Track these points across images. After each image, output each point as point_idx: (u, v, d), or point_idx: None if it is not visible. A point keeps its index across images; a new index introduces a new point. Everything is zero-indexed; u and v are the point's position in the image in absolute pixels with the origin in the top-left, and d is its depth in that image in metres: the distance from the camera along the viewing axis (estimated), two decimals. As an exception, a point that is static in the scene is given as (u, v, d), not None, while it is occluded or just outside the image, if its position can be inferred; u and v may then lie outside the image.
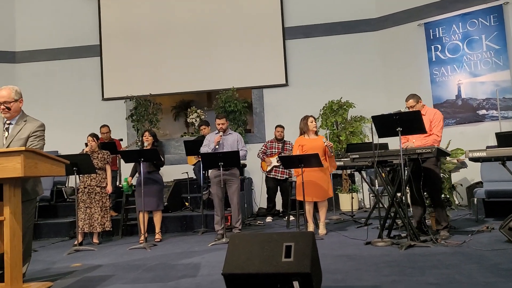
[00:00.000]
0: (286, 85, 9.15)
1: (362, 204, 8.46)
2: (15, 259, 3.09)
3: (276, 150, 7.31)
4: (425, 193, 4.96)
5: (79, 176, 5.86)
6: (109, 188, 5.97)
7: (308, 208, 5.56)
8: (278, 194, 7.51)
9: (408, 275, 3.33)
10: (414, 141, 4.95)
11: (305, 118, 5.64)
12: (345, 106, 8.37)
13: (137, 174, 5.97)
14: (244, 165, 8.79)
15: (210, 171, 5.81)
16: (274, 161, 7.21)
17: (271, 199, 7.49)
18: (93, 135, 6.07)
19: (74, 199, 6.24)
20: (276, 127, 7.49)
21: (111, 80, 9.55)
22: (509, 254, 3.79)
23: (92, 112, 9.30)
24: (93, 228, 5.79)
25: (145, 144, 5.97)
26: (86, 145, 6.10)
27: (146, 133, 6.02)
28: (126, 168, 7.69)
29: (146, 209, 5.73)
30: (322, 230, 5.51)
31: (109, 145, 6.86)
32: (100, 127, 7.39)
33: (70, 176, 6.70)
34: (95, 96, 9.54)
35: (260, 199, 8.46)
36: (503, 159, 4.94)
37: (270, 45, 9.22)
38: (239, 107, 8.75)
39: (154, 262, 4.50)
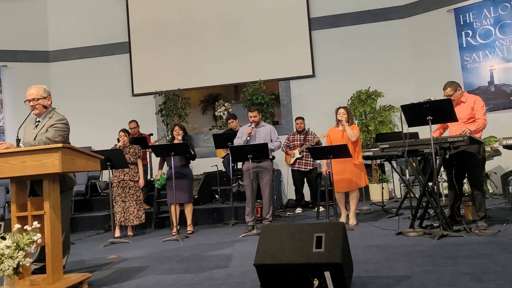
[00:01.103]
0: (313, 76, 9.10)
1: (393, 194, 8.36)
2: (56, 251, 3.24)
3: (298, 142, 7.31)
4: (464, 181, 4.85)
5: (112, 171, 6.04)
6: (142, 182, 6.13)
7: (339, 198, 5.56)
8: (306, 186, 7.52)
9: (441, 265, 3.30)
10: (454, 129, 4.82)
11: (337, 109, 5.63)
12: (373, 96, 8.27)
13: (166, 166, 6.09)
14: (273, 157, 8.81)
15: (243, 163, 5.86)
16: (297, 153, 7.23)
17: (298, 191, 7.51)
18: (125, 131, 6.24)
19: (108, 193, 6.45)
20: (295, 120, 7.50)
21: (140, 76, 9.75)
22: (547, 244, 3.70)
23: (122, 108, 9.51)
24: (129, 221, 5.97)
25: (179, 138, 6.07)
26: (118, 140, 6.27)
27: (176, 127, 6.13)
28: (156, 162, 7.88)
29: (177, 202, 5.86)
30: (352, 221, 5.50)
31: (139, 140, 7.02)
32: (129, 123, 7.56)
33: (103, 170, 6.90)
34: (125, 92, 9.76)
35: (288, 190, 8.49)
36: (540, 146, 4.82)
37: (296, 37, 9.18)
38: (266, 99, 8.76)
39: (187, 254, 4.61)
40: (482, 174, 4.86)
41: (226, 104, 9.59)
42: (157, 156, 5.96)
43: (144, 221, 6.14)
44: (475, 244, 3.90)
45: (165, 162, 6.17)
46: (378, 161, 7.97)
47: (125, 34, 9.85)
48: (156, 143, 7.52)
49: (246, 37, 9.39)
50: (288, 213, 7.17)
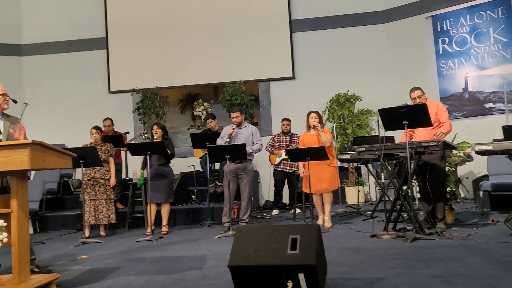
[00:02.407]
0: (293, 78, 9.13)
1: (368, 197, 8.46)
2: (22, 251, 3.12)
3: (284, 143, 7.31)
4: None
5: (83, 169, 5.90)
6: (113, 181, 6.00)
7: (316, 200, 5.58)
8: (286, 187, 7.53)
9: (413, 267, 3.34)
10: (421, 135, 4.94)
11: (308, 113, 5.65)
12: (352, 99, 8.34)
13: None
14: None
15: (220, 163, 5.81)
16: (283, 154, 7.21)
17: (278, 192, 7.50)
18: (97, 128, 6.11)
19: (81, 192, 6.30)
20: (282, 121, 7.48)
21: (117, 73, 9.59)
22: (515, 248, 3.79)
23: (98, 105, 9.31)
24: (98, 220, 5.84)
25: (155, 137, 5.99)
26: (93, 138, 6.13)
27: (155, 126, 6.04)
28: (131, 162, 7.75)
29: (155, 202, 5.78)
30: (327, 223, 5.53)
31: (113, 138, 6.88)
32: (103, 120, 7.41)
33: (77, 168, 6.74)
34: (102, 89, 9.58)
35: (266, 192, 8.49)
36: (510, 152, 4.92)
37: (277, 38, 9.19)
38: (245, 100, 8.73)
39: (161, 254, 4.54)
40: (445, 182, 4.94)
41: (205, 104, 9.50)
42: (132, 155, 5.86)
43: (114, 221, 6.01)
44: (446, 247, 3.96)
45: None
46: (355, 164, 8.05)
47: (102, 29, 9.66)
48: (132, 142, 7.40)
49: (227, 37, 9.35)
50: (265, 214, 7.16)
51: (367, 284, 2.96)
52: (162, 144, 5.67)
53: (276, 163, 7.31)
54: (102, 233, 5.95)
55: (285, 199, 7.73)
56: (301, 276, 2.72)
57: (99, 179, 5.91)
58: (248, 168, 5.74)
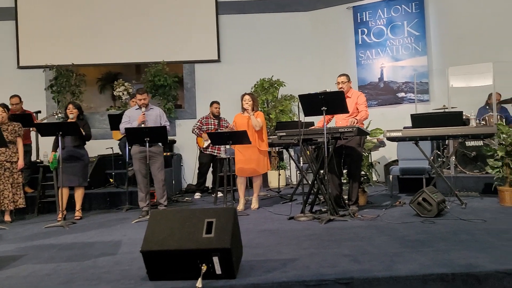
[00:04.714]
0: (218, 61, 9.03)
1: (290, 181, 8.69)
2: None
3: (213, 127, 7.19)
4: (345, 171, 5.18)
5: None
6: (21, 163, 5.56)
7: (240, 184, 5.61)
8: (210, 171, 7.49)
9: (325, 247, 3.48)
10: (340, 123, 5.12)
11: (242, 95, 5.63)
12: (276, 85, 8.45)
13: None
14: (174, 141, 8.63)
15: (133, 147, 5.56)
16: None
17: (202, 175, 7.43)
18: (4, 106, 5.60)
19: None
20: (213, 103, 7.32)
21: (28, 47, 8.84)
22: (416, 227, 4.10)
23: (5, 81, 8.57)
24: (3, 205, 5.40)
25: (70, 117, 5.62)
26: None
27: (70, 106, 5.68)
28: (44, 143, 7.22)
29: (68, 185, 5.46)
30: (254, 204, 5.61)
31: (21, 117, 6.34)
32: (10, 98, 6.80)
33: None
34: (10, 63, 8.79)
35: (190, 176, 8.40)
36: (416, 138, 5.32)
37: (203, 20, 9.01)
38: (169, 82, 8.51)
39: (72, 241, 4.30)
40: (360, 166, 5.21)
41: (126, 84, 9.10)
42: (42, 135, 5.44)
43: (22, 206, 5.60)
44: (357, 228, 4.19)
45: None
46: (277, 149, 8.20)
47: (11, -2, 8.83)
48: (44, 121, 6.88)
49: (151, 15, 8.99)
50: (186, 198, 7.08)
51: (281, 265, 3.03)
52: (75, 124, 5.32)
53: (204, 146, 7.21)
54: (7, 219, 5.51)
55: (209, 182, 7.69)
56: (216, 259, 2.71)
57: (4, 161, 5.45)
58: (159, 151, 5.59)
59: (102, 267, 3.27)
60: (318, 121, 5.29)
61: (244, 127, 5.39)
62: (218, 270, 2.73)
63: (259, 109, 5.87)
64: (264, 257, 3.29)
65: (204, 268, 2.71)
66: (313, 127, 5.11)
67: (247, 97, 5.56)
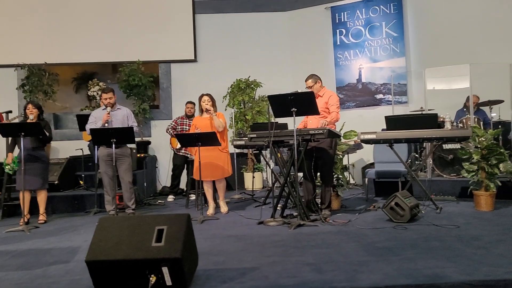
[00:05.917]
0: (194, 61, 8.85)
1: (267, 183, 8.54)
2: None
3: (187, 127, 7.00)
4: (318, 174, 5.05)
5: None
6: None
7: (207, 188, 5.44)
8: (184, 173, 7.30)
9: (289, 255, 3.33)
10: (311, 122, 5.01)
11: (200, 96, 5.48)
12: (252, 85, 8.30)
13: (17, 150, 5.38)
14: (149, 142, 8.42)
15: (99, 148, 5.37)
16: None
17: (176, 177, 7.25)
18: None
19: None
20: (186, 103, 7.16)
21: (-2, 45, 8.55)
22: (387, 233, 3.97)
23: (-26, 79, 8.28)
24: (-38, 210, 5.16)
25: (30, 117, 5.39)
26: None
27: (30, 105, 5.46)
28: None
29: (28, 188, 5.22)
30: (224, 208, 5.45)
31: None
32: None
33: None
34: (-22, 61, 8.49)
35: (164, 177, 8.21)
36: (391, 141, 5.21)
37: (180, 19, 8.83)
38: (144, 81, 8.30)
39: (28, 247, 4.09)
40: (332, 169, 5.09)
41: (100, 83, 8.86)
42: (3, 136, 5.21)
43: (-16, 209, 5.36)
44: (326, 233, 4.05)
45: (17, 144, 5.46)
46: (251, 151, 8.05)
47: (-20, -6, 8.54)
48: (10, 122, 6.62)
49: (126, 14, 8.77)
50: (159, 201, 6.88)
51: (239, 275, 2.88)
52: (38, 124, 5.09)
53: (177, 147, 7.02)
54: (-34, 224, 5.26)
55: (183, 185, 7.51)
56: (165, 270, 2.54)
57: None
58: (126, 153, 5.40)
59: (51, 277, 3.08)
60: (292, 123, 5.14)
61: (208, 129, 5.23)
62: (168, 281, 2.56)
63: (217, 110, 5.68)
64: (224, 265, 3.13)
65: (153, 279, 2.54)
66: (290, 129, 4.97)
67: (206, 97, 5.41)
